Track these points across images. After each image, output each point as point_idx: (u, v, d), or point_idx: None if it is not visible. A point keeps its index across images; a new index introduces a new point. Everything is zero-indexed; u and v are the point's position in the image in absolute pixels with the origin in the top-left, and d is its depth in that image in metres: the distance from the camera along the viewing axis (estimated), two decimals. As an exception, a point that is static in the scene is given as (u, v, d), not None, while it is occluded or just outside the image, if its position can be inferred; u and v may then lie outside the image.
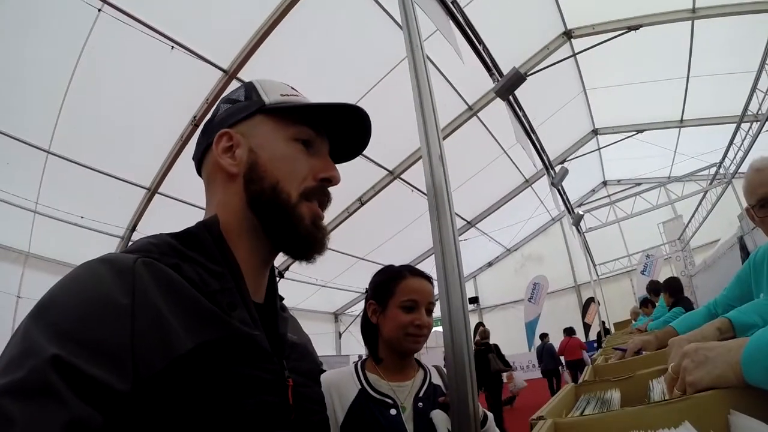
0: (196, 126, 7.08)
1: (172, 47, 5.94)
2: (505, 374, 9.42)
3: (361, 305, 1.64)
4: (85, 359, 0.50)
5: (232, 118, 0.82)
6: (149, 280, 0.60)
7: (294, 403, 0.72)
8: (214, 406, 0.58)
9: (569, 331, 11.97)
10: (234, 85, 6.80)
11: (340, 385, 1.43)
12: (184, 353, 0.57)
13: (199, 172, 0.88)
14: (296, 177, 0.80)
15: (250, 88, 0.85)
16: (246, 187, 0.78)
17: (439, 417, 1.39)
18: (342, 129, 0.87)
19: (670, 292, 5.76)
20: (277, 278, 0.90)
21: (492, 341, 9.24)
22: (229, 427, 0.60)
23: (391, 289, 1.51)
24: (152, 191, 7.89)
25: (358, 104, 0.84)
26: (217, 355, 0.61)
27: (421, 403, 1.42)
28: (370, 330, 1.56)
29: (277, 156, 0.80)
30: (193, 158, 0.89)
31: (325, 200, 0.85)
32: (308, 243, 0.80)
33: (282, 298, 0.89)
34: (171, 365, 0.56)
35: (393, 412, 1.37)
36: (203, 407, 0.58)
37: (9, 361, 0.49)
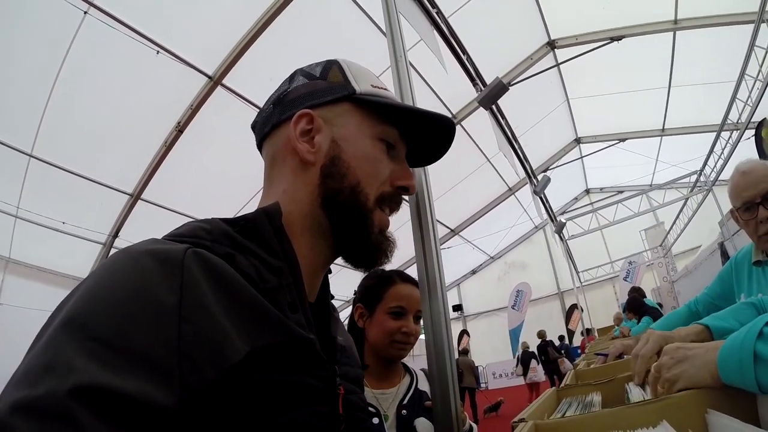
0: (180, 132, 7.03)
1: (158, 52, 5.91)
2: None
3: (347, 313, 1.61)
4: (121, 371, 0.43)
5: (314, 98, 0.74)
6: (200, 275, 0.53)
7: (344, 412, 0.67)
8: (262, 419, 0.53)
9: (587, 332, 12.17)
10: (219, 91, 6.81)
11: None
12: (238, 361, 0.51)
13: (260, 147, 0.80)
14: (376, 181, 0.74)
15: (330, 67, 0.78)
16: (322, 182, 0.72)
17: (422, 425, 1.37)
18: (421, 137, 0.82)
19: (634, 311, 5.95)
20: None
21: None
22: None
23: (380, 294, 1.48)
24: (135, 197, 7.81)
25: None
26: (269, 361, 0.55)
27: (405, 411, 1.39)
28: (356, 335, 1.50)
29: (363, 154, 0.73)
30: (252, 127, 0.81)
31: (395, 209, 0.79)
32: (375, 252, 0.74)
33: (332, 297, 0.83)
34: (224, 375, 0.49)
35: (375, 421, 1.32)
36: (250, 420, 0.51)
37: (28, 370, 0.43)
